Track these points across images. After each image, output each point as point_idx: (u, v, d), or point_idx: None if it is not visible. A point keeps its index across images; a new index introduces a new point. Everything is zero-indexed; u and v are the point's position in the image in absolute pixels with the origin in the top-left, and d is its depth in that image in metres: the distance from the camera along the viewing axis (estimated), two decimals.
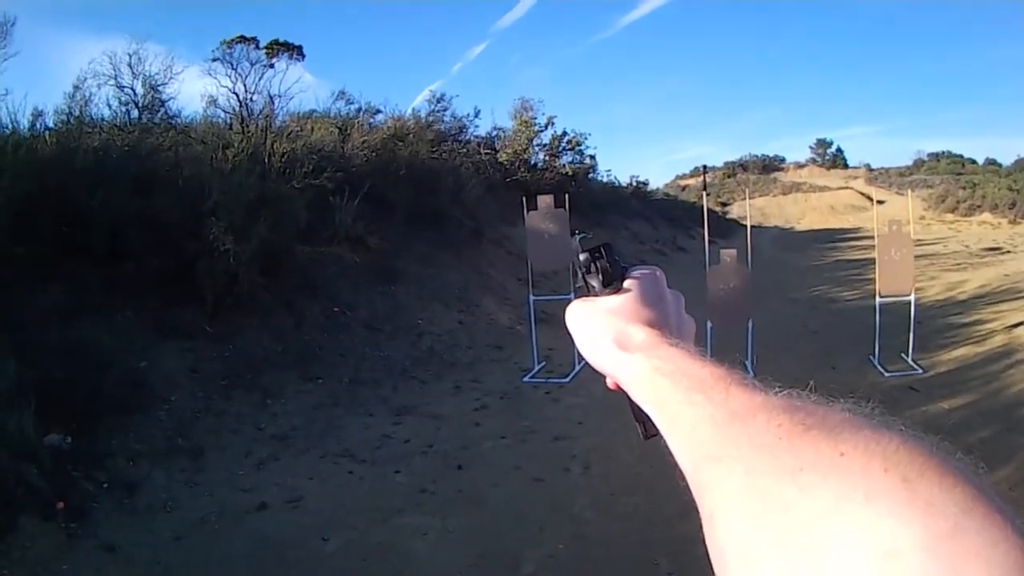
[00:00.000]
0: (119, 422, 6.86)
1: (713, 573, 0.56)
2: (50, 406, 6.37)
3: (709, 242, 11.41)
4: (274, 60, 13.01)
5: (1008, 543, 0.43)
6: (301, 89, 18.53)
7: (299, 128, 13.68)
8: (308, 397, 8.51)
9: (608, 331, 0.85)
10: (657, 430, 0.77)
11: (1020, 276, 18.59)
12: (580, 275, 0.94)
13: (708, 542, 0.60)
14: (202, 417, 7.50)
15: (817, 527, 0.48)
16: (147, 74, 11.02)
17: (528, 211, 10.81)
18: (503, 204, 14.41)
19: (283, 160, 11.03)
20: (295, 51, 13.51)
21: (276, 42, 13.20)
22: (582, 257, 0.92)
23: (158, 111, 11.10)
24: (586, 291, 0.93)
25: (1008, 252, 28.16)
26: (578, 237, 0.94)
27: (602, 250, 0.92)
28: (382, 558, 5.69)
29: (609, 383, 0.89)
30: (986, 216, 50.12)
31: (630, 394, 0.82)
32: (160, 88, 11.15)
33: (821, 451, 0.52)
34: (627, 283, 0.88)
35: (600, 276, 0.91)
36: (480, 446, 7.88)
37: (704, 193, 13.91)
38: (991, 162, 69.27)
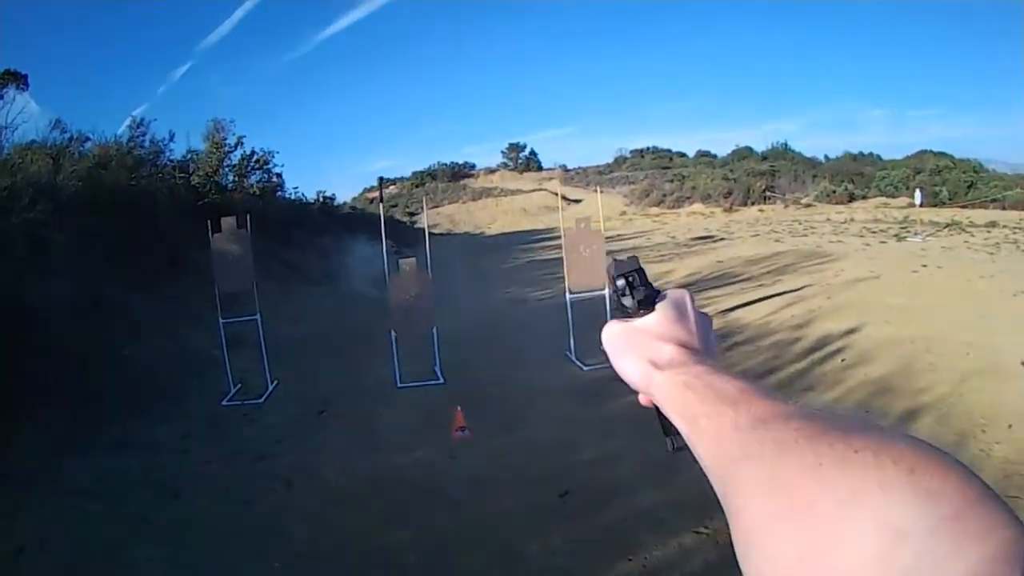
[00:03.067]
0: None
1: None
2: None
3: (395, 253, 11.67)
4: (3, 91, 12.55)
5: (1003, 527, 0.48)
6: (24, 119, 17.51)
7: (20, 160, 13.21)
8: (41, 437, 8.47)
9: (641, 350, 0.92)
10: (684, 444, 0.81)
11: (735, 262, 18.97)
12: (615, 297, 0.99)
13: (735, 538, 0.63)
14: None
15: (837, 514, 0.53)
16: None
17: (213, 233, 10.83)
18: (197, 228, 14.52)
19: (3, 194, 10.76)
20: (21, 80, 13.08)
21: (7, 72, 12.74)
22: (618, 282, 0.96)
23: None
24: (621, 313, 0.98)
25: (722, 240, 28.76)
26: (613, 261, 0.98)
27: (636, 275, 0.96)
28: None
29: (641, 399, 0.96)
30: (697, 207, 51.51)
31: (661, 408, 0.87)
32: None
33: (837, 449, 0.57)
34: (659, 305, 0.94)
35: (634, 298, 0.96)
36: (191, 472, 8.11)
37: (380, 204, 14.16)
38: (704, 154, 70.86)
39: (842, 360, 9.26)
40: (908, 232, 24.08)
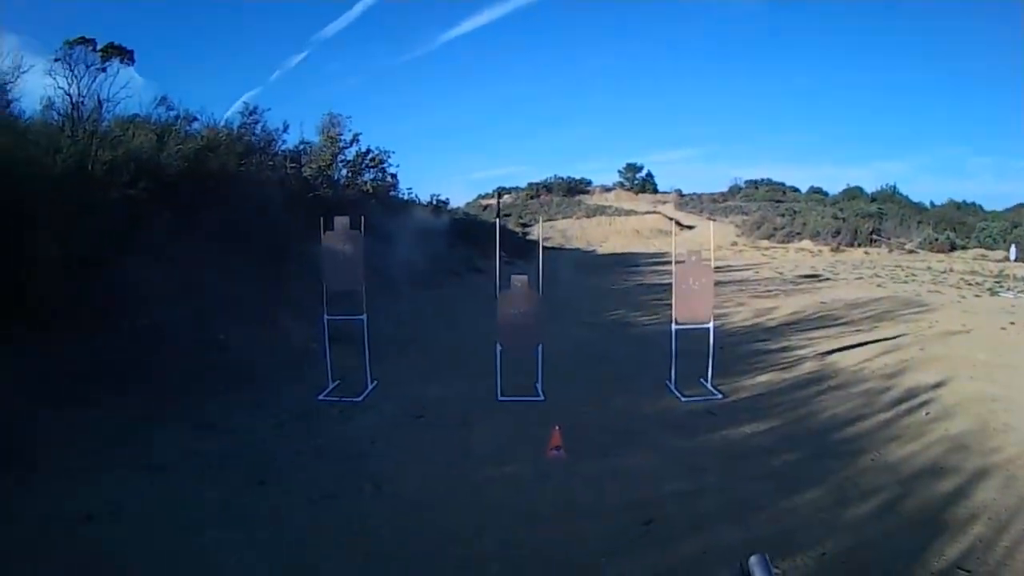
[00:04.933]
0: None
1: None
2: None
3: (506, 263, 11.64)
4: (107, 64, 12.82)
5: None
6: (128, 94, 17.82)
7: (122, 133, 13.36)
8: (122, 411, 8.50)
9: None
10: None
11: (837, 304, 18.80)
12: None
13: None
14: (25, 428, 7.47)
15: None
16: None
17: (324, 231, 10.90)
18: (306, 219, 14.55)
19: (105, 168, 10.90)
20: (127, 55, 13.34)
21: (111, 45, 12.98)
22: None
23: (5, 109, 10.75)
24: None
25: (827, 280, 28.58)
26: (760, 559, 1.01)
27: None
28: (191, 572, 5.86)
29: None
30: (806, 243, 51.23)
31: None
32: (8, 86, 10.82)
33: None
34: None
35: None
36: (279, 462, 8.06)
37: (497, 218, 13.91)
38: (816, 190, 70.51)
39: (926, 414, 9.02)
40: (1001, 287, 23.87)
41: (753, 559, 1.08)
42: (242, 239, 14.06)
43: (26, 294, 8.54)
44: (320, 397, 10.53)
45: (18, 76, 10.84)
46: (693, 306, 10.96)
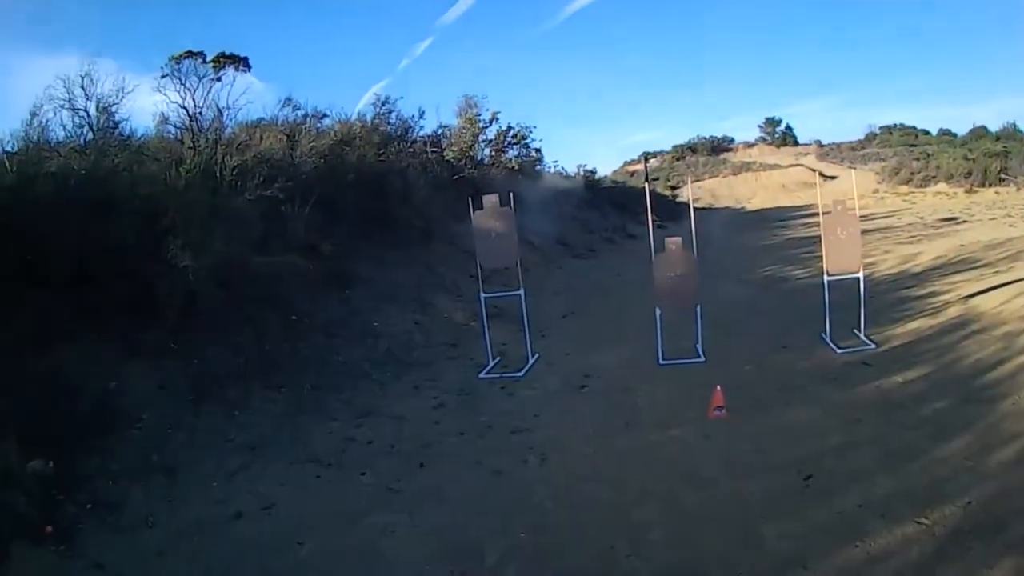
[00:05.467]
0: (95, 444, 6.94)
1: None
2: (29, 433, 6.47)
3: (657, 227, 11.51)
4: (221, 73, 13.00)
5: None
6: (249, 99, 18.14)
7: (248, 138, 13.49)
8: (272, 406, 8.60)
9: None
10: None
11: (975, 246, 18.44)
12: None
13: None
14: (173, 433, 7.58)
15: None
16: (100, 95, 10.84)
17: (474, 210, 10.93)
18: (451, 202, 14.53)
19: (234, 173, 11.08)
20: (241, 62, 13.48)
21: (223, 55, 13.10)
22: None
23: (113, 132, 11.01)
24: None
25: (964, 222, 27.99)
26: None
27: None
28: (354, 558, 5.87)
29: None
30: (941, 187, 49.79)
31: None
32: (113, 108, 11.05)
33: None
34: None
35: None
36: (441, 443, 8.05)
37: (646, 182, 13.46)
38: (945, 132, 68.32)
39: None
40: None
41: None
42: (388, 227, 14.14)
43: (158, 303, 8.68)
44: (481, 375, 10.45)
45: (123, 97, 10.93)
46: (842, 256, 10.77)
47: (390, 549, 6.02)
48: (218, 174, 10.86)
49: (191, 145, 11.34)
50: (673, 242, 10.56)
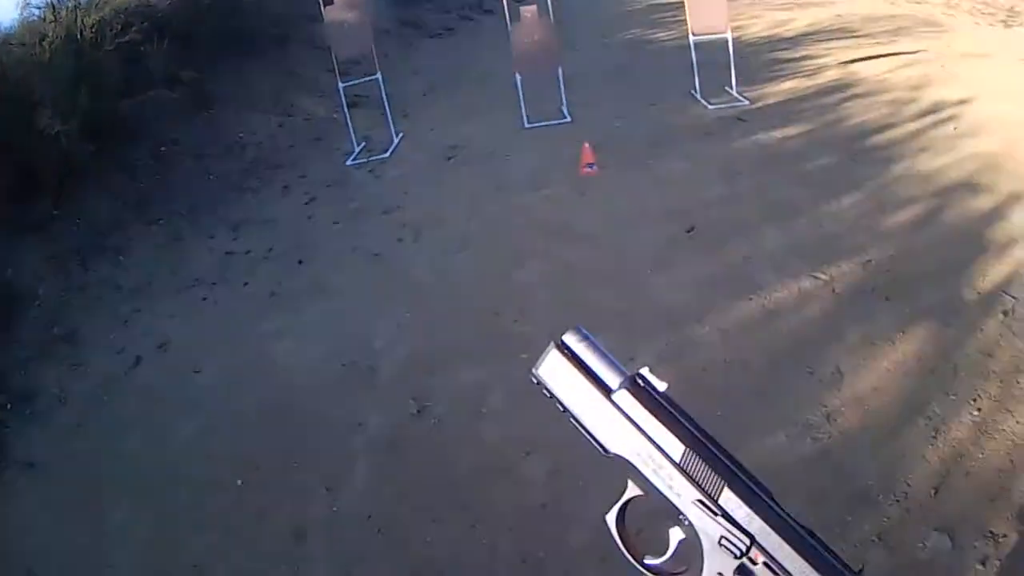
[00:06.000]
0: (2, 338, 6.97)
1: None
2: None
3: (515, 0, 11.30)
4: None
5: None
6: None
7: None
8: (154, 239, 8.62)
9: None
10: None
11: (853, 17, 17.61)
12: None
13: None
14: (68, 298, 7.60)
15: None
16: None
17: (325, 5, 10.81)
18: (304, 3, 14.03)
19: (93, 31, 10.62)
20: None
21: None
22: None
23: None
24: None
25: None
26: None
27: None
28: (252, 369, 6.19)
29: None
30: None
31: None
32: None
33: None
34: None
35: None
36: (315, 237, 8.24)
37: None
38: None
39: (954, 128, 8.62)
40: (1015, 21, 22.12)
41: (568, 335, 0.89)
42: (246, 42, 13.60)
43: (38, 177, 8.55)
44: (348, 163, 10.50)
45: None
46: (707, 16, 10.53)
47: (283, 354, 6.29)
48: (79, 36, 10.40)
49: (52, 18, 10.78)
50: (528, 10, 10.43)
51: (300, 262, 7.73)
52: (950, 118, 8.90)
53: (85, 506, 5.23)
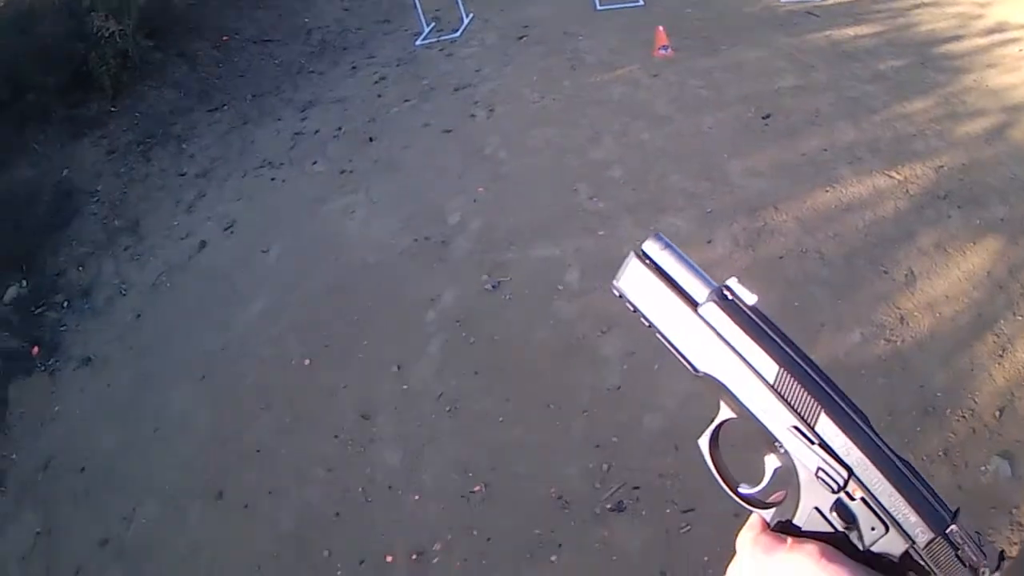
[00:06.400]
0: (60, 237, 6.92)
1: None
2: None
3: None
4: None
5: None
6: None
7: None
8: (219, 126, 8.44)
9: None
10: None
11: None
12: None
13: None
14: (129, 190, 7.50)
15: None
16: None
17: None
18: None
19: None
20: None
21: None
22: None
23: None
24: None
25: None
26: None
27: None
28: (320, 247, 6.02)
29: None
30: None
31: None
32: None
33: None
34: None
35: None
36: (386, 115, 7.96)
37: None
38: None
39: (1019, 50, 8.04)
40: None
41: (648, 243, 0.78)
42: None
43: (93, 78, 8.45)
44: (417, 43, 10.03)
45: None
46: None
47: (353, 231, 6.14)
48: None
49: None
50: None
51: (371, 139, 7.45)
52: (1014, 40, 8.38)
53: (145, 398, 5.19)
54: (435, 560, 3.77)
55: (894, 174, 5.65)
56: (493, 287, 5.19)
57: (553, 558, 3.69)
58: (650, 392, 4.10)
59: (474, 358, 4.68)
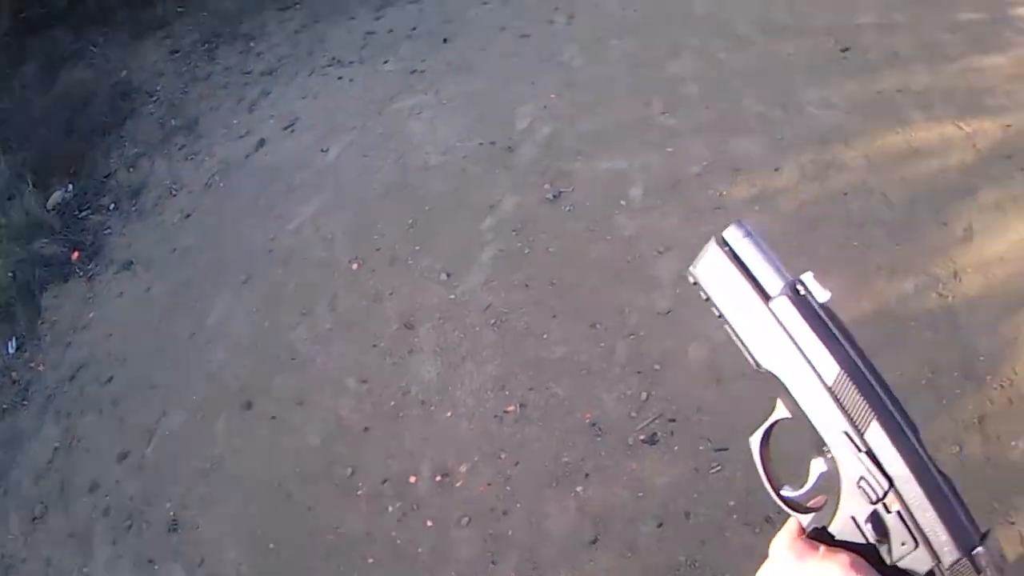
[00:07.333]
0: (113, 139, 6.83)
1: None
2: (49, 165, 6.46)
3: None
4: None
5: None
6: None
7: None
8: (290, 24, 8.19)
9: None
10: None
11: None
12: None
13: None
14: (190, 89, 7.38)
15: None
16: None
17: None
18: None
19: None
20: None
21: None
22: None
23: None
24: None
25: None
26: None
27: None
28: (383, 147, 5.82)
29: None
30: None
31: None
32: None
33: None
34: None
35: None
36: (464, 15, 7.62)
37: None
38: None
39: None
40: None
41: (730, 230, 0.76)
42: None
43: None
44: None
45: None
46: None
47: (418, 131, 5.94)
48: None
49: None
50: None
51: (445, 40, 7.16)
52: None
53: (186, 301, 5.14)
54: (459, 483, 3.67)
55: (963, 125, 5.32)
56: (554, 196, 5.00)
57: (579, 488, 3.64)
58: (700, 320, 3.90)
59: (526, 270, 4.53)
